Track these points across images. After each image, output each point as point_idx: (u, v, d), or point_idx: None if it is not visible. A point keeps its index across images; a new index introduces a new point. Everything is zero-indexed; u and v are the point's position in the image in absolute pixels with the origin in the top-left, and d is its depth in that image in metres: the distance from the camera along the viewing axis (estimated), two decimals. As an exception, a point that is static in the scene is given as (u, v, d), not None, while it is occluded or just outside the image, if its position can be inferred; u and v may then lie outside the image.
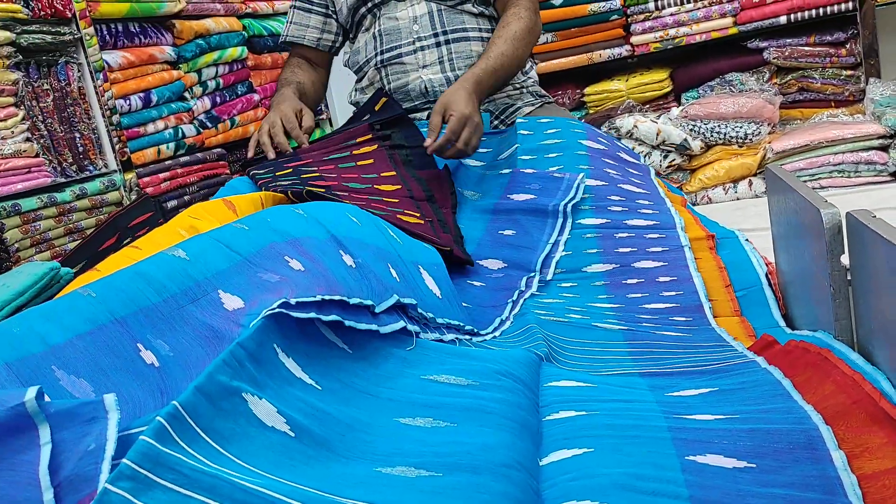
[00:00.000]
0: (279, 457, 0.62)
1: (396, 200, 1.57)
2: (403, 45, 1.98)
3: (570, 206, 1.59)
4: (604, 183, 1.72)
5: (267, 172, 1.66)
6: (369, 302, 0.89)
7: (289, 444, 0.64)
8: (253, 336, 0.70)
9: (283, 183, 1.55)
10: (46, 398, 0.60)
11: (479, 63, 1.85)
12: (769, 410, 0.84)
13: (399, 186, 1.63)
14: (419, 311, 1.02)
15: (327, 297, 0.82)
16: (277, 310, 0.75)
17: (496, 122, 2.08)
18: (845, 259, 0.95)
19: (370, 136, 1.80)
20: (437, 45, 1.98)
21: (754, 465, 0.73)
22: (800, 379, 0.90)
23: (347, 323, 0.83)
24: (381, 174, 1.68)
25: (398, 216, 1.45)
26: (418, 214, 1.53)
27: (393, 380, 0.84)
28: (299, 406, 0.69)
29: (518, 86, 2.12)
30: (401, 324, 0.92)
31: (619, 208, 1.65)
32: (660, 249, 1.50)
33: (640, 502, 0.67)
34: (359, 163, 1.71)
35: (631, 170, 1.87)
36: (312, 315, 0.78)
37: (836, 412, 0.81)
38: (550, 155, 1.80)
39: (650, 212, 1.64)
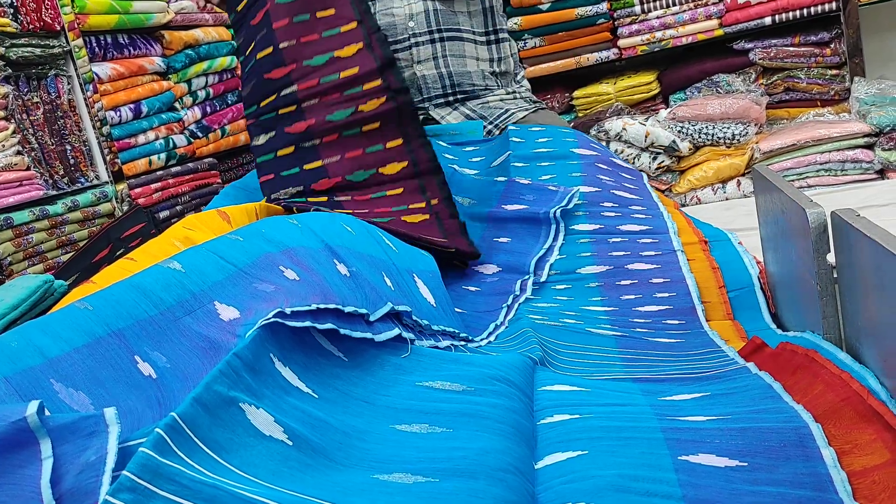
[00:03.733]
0: (277, 466, 0.63)
1: (400, 191, 1.54)
2: (399, 42, 2.01)
3: (558, 211, 1.61)
4: (597, 189, 1.73)
5: (270, 152, 1.59)
6: (364, 310, 0.90)
7: (287, 453, 0.65)
8: (249, 346, 0.71)
9: (290, 191, 1.53)
10: (46, 412, 0.60)
11: None
12: (760, 411, 0.85)
13: (405, 164, 1.58)
14: (414, 318, 1.03)
15: (322, 306, 0.83)
16: (273, 319, 0.76)
17: (490, 128, 2.10)
18: (831, 258, 0.96)
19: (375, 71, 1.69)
20: (432, 41, 2.01)
21: (746, 464, 0.74)
22: (790, 381, 0.91)
23: (342, 331, 0.84)
24: (387, 145, 1.60)
25: (402, 217, 1.45)
26: (423, 205, 1.51)
27: (389, 387, 0.85)
28: (296, 415, 0.70)
29: (510, 91, 2.13)
30: (395, 331, 0.93)
31: (613, 214, 1.66)
32: (653, 253, 1.52)
33: (635, 503, 0.68)
34: (364, 128, 1.61)
35: (624, 175, 1.89)
36: (307, 324, 0.79)
37: (826, 410, 0.83)
38: (543, 163, 1.82)
39: (643, 216, 1.66)
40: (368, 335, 0.88)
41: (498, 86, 2.13)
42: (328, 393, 0.77)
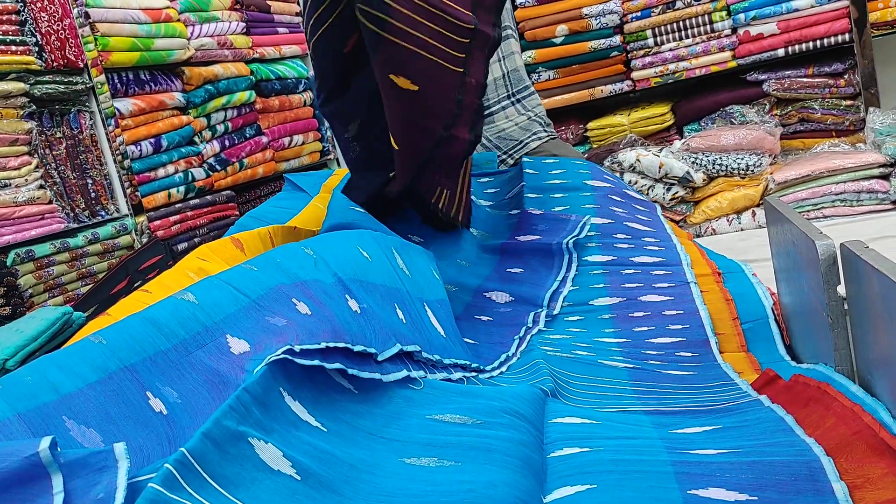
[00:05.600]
0: (285, 500, 0.64)
1: None
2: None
3: (571, 242, 1.61)
4: (610, 221, 1.74)
5: None
6: (373, 350, 0.91)
7: (295, 488, 0.65)
8: (259, 381, 0.72)
9: None
10: (58, 448, 0.61)
11: None
12: (771, 444, 0.84)
13: None
14: (424, 355, 1.03)
15: (332, 345, 0.84)
16: (282, 356, 0.77)
17: (504, 157, 2.12)
18: (841, 289, 0.96)
19: None
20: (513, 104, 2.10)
21: (756, 498, 0.74)
22: (802, 414, 0.91)
23: (350, 371, 0.85)
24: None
25: None
26: None
27: (398, 420, 0.85)
28: (305, 449, 0.70)
29: (527, 110, 2.15)
30: (403, 373, 0.94)
31: (626, 246, 1.67)
32: (666, 285, 1.51)
33: (643, 538, 0.68)
34: None
35: (637, 206, 1.89)
36: (316, 363, 0.80)
37: (838, 444, 0.82)
38: (556, 195, 1.83)
39: (656, 248, 1.66)
40: (377, 375, 0.89)
41: (508, 88, 2.14)
42: (337, 426, 0.78)
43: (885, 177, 2.50)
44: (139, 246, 2.58)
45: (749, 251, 2.06)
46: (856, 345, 0.96)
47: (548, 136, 2.18)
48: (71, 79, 2.51)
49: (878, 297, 0.84)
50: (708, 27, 3.14)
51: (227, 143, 3.12)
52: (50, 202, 2.41)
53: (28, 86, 2.35)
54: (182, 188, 2.87)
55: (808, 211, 2.51)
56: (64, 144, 2.49)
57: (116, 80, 2.67)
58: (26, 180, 2.35)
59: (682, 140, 2.90)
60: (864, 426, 0.82)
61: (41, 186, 2.39)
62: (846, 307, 0.96)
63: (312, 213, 1.78)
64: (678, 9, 3.16)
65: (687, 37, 3.18)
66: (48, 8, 2.41)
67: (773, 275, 1.38)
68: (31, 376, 0.76)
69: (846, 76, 2.98)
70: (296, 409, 0.75)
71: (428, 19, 1.44)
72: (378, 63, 1.45)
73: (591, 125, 3.37)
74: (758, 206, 2.66)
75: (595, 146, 3.31)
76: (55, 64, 2.44)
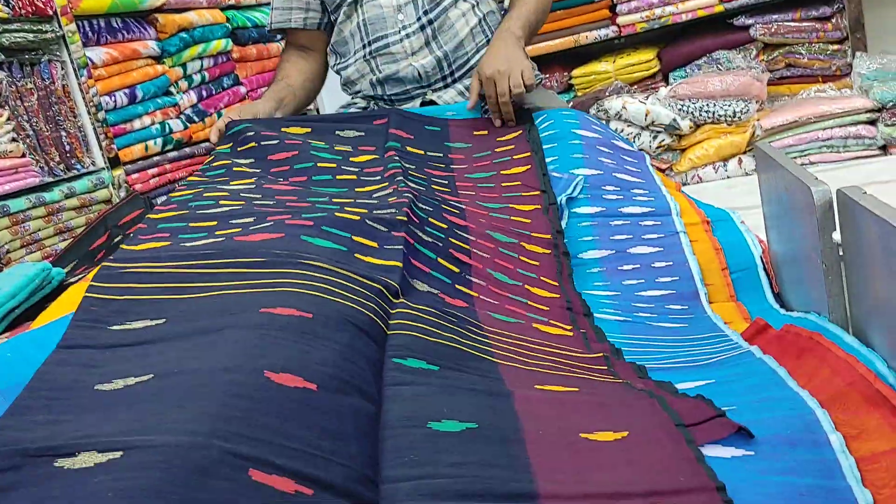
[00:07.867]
0: None
1: (528, 221, 1.49)
2: (390, 35, 1.98)
3: (563, 199, 1.59)
4: (598, 172, 1.72)
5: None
6: None
7: None
8: None
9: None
10: None
11: (511, 17, 1.93)
12: (765, 399, 0.84)
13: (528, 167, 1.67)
14: None
15: None
16: None
17: (487, 107, 2.07)
18: (836, 236, 0.95)
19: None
20: (422, 28, 1.98)
21: (752, 453, 0.74)
22: (794, 365, 0.90)
23: None
24: (514, 157, 1.72)
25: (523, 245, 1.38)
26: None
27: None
28: None
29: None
30: None
31: (614, 197, 1.65)
32: (655, 236, 1.50)
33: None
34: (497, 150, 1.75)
35: (626, 157, 1.86)
36: None
37: (832, 395, 0.82)
38: (545, 146, 1.80)
39: (645, 199, 1.64)
40: None
41: (487, 33, 2.06)
42: None
43: (873, 122, 2.49)
44: (117, 200, 2.53)
45: (736, 199, 2.05)
46: (850, 293, 0.96)
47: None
48: (40, 27, 2.42)
49: (877, 243, 0.82)
50: (695, -30, 3.08)
51: (203, 93, 3.04)
52: (23, 156, 2.34)
53: (-5, 35, 2.26)
54: (159, 140, 2.81)
55: (796, 157, 2.51)
56: (35, 96, 2.41)
57: (87, 28, 2.58)
58: (-2, 133, 2.28)
59: (669, 87, 2.87)
60: (859, 377, 0.81)
61: (13, 140, 2.32)
62: (840, 253, 0.95)
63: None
64: (665, -49, 3.09)
65: (674, -20, 3.12)
66: (12, -48, 2.31)
67: (761, 222, 1.37)
68: (11, 352, 0.76)
69: (833, 20, 2.94)
70: None
71: None
72: None
73: (575, 73, 3.32)
74: (744, 153, 2.65)
75: (580, 94, 3.27)
76: (23, 11, 2.34)
